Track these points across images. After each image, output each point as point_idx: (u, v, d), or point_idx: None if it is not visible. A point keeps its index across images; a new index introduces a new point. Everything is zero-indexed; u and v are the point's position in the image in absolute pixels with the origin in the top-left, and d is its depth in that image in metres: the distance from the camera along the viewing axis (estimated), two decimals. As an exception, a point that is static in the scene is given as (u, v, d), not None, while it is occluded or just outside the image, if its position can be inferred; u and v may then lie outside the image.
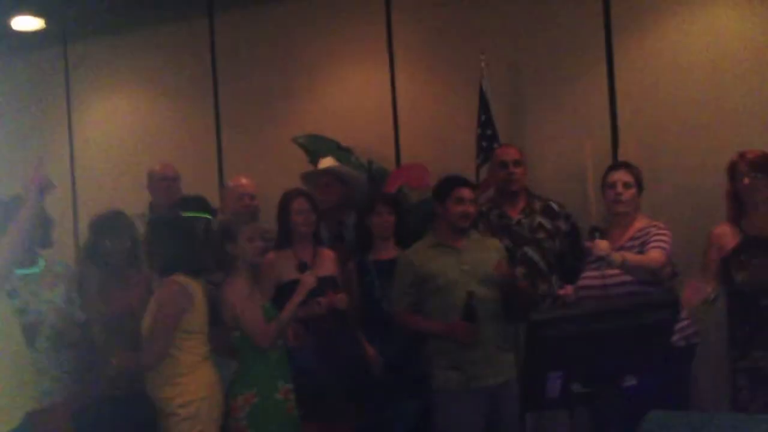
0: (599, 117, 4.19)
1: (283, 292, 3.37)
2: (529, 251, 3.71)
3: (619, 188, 3.36)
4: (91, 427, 3.21)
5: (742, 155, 3.20)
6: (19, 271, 3.20)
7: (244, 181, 4.25)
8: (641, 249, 3.24)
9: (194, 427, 3.04)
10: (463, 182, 3.37)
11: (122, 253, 3.41)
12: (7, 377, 2.70)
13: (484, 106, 4.21)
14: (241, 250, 3.28)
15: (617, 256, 3.05)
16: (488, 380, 3.22)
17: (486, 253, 3.33)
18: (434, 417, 3.33)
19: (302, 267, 3.34)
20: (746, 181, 3.12)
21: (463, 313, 3.17)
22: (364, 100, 4.83)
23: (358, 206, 4.35)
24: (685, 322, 3.20)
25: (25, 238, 2.67)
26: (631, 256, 3.11)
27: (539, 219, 3.79)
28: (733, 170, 3.20)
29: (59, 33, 5.47)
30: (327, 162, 4.31)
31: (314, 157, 4.56)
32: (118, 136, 5.32)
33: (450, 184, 3.36)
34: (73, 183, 5.46)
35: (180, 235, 3.24)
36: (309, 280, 3.25)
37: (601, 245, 3.03)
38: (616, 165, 3.55)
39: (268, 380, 3.22)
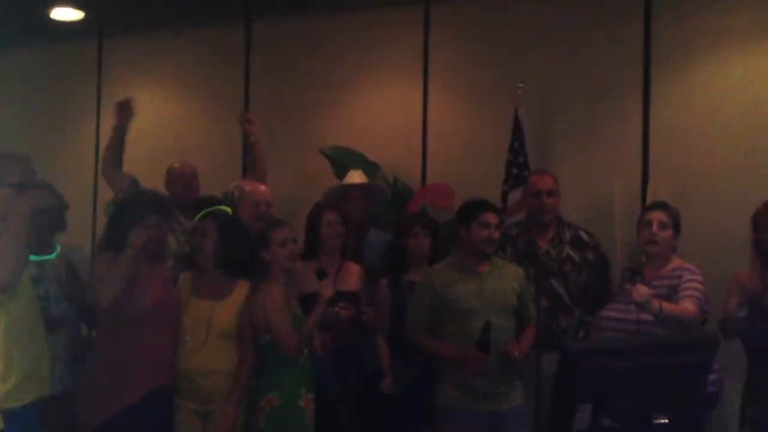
0: (631, 154, 4.19)
1: (305, 303, 3.35)
2: (555, 283, 3.68)
3: (655, 228, 3.32)
4: None
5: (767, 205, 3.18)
6: (35, 258, 3.20)
7: (261, 188, 4.23)
8: (670, 291, 3.21)
9: None
10: (490, 207, 3.36)
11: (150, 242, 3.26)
12: (24, 363, 2.73)
13: (518, 132, 4.20)
14: (274, 254, 3.27)
15: (655, 304, 3.01)
16: (492, 405, 3.20)
17: (508, 281, 3.31)
18: None
19: (320, 275, 3.33)
20: None
21: (477, 343, 3.14)
22: (394, 117, 4.84)
23: (379, 223, 4.35)
24: None
25: (21, 244, 2.66)
26: (667, 306, 3.06)
27: (567, 250, 3.77)
28: (758, 220, 3.19)
29: (96, 26, 5.50)
30: (357, 176, 4.29)
31: (340, 169, 4.56)
32: (146, 133, 5.30)
33: (476, 207, 3.34)
34: (96, 175, 5.46)
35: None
36: (327, 291, 3.24)
37: (642, 291, 2.99)
38: (654, 205, 3.51)
39: (293, 386, 3.21)
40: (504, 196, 4.20)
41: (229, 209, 3.90)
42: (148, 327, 3.14)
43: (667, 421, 2.12)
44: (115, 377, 3.05)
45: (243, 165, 5.13)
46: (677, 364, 2.08)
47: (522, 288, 3.36)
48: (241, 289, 3.31)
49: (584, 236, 3.83)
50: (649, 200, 3.93)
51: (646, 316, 3.04)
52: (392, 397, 3.50)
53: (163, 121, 5.37)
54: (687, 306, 3.12)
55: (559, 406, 2.15)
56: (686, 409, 2.18)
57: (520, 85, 4.21)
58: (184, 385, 3.19)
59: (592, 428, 2.15)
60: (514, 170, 4.17)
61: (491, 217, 3.29)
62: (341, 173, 4.49)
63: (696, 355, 2.12)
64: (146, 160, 5.11)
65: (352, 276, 3.62)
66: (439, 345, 3.30)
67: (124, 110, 4.03)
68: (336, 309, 3.41)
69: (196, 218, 3.49)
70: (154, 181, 4.22)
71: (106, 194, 4.52)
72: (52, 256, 3.31)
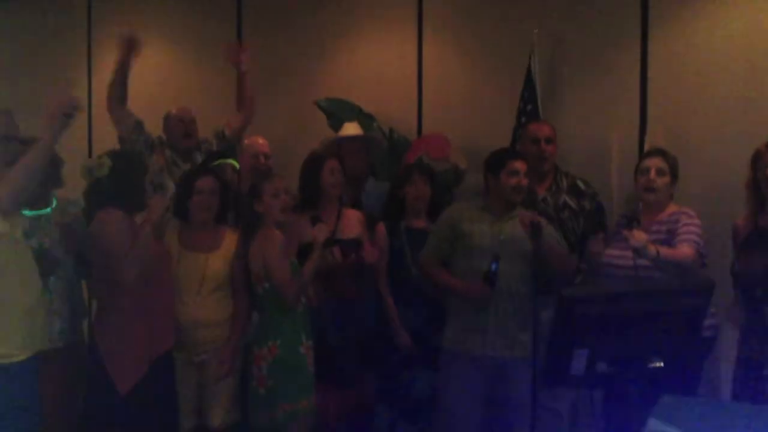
0: (629, 102, 4.14)
1: (305, 252, 3.35)
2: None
3: (652, 175, 3.32)
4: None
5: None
6: (30, 213, 3.18)
7: (260, 140, 4.28)
8: (668, 236, 3.21)
9: None
10: (518, 155, 3.35)
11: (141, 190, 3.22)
12: (19, 317, 2.69)
13: (529, 81, 4.14)
14: (267, 206, 3.28)
15: (652, 249, 3.01)
16: (496, 351, 3.23)
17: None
18: (438, 377, 3.35)
19: (315, 221, 3.35)
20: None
21: (483, 275, 3.15)
22: (389, 67, 4.77)
23: (376, 175, 4.35)
24: None
25: (41, 166, 2.58)
26: (664, 251, 3.07)
27: (565, 197, 3.78)
28: (756, 160, 3.18)
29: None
30: (353, 128, 4.25)
31: (336, 120, 4.52)
32: (138, 86, 5.24)
33: (504, 156, 3.34)
34: (90, 131, 5.42)
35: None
36: (321, 235, 3.27)
37: (639, 237, 3.00)
38: (652, 151, 3.48)
39: (292, 333, 3.26)
40: (514, 145, 4.16)
41: (235, 162, 3.94)
42: (158, 280, 3.16)
43: (662, 365, 2.15)
44: (144, 334, 3.06)
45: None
46: (672, 310, 2.10)
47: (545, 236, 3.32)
48: (230, 239, 3.38)
49: (581, 185, 3.84)
50: (646, 148, 3.91)
51: (643, 262, 3.05)
52: (395, 344, 3.52)
53: (155, 73, 5.29)
54: (684, 249, 3.12)
55: (556, 353, 2.17)
56: (681, 353, 2.21)
57: (534, 32, 4.13)
58: (180, 337, 3.24)
59: (589, 374, 2.18)
60: (523, 119, 4.12)
61: (519, 165, 3.29)
62: (336, 125, 4.46)
63: (690, 301, 2.14)
64: (139, 113, 5.08)
65: (353, 222, 3.61)
66: (446, 275, 3.34)
67: (130, 45, 3.91)
68: (334, 249, 3.41)
69: (194, 172, 3.51)
70: (149, 127, 4.19)
71: (100, 149, 4.50)
72: (48, 210, 3.29)
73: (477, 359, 3.23)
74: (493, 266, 3.13)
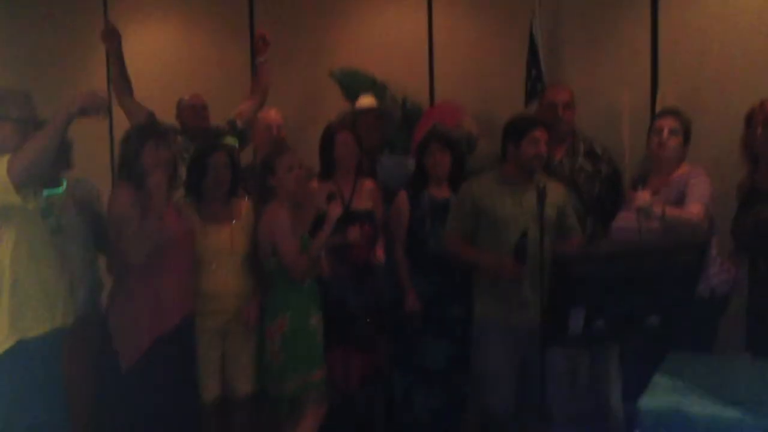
0: (640, 61, 4.08)
1: (320, 223, 3.40)
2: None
3: (665, 135, 3.27)
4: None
5: (762, 104, 3.11)
6: (45, 192, 3.25)
7: (272, 112, 4.32)
8: (679, 197, 3.18)
9: None
10: (539, 123, 3.30)
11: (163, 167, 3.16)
12: (38, 292, 2.75)
13: (532, 45, 4.10)
14: (280, 180, 3.32)
15: (657, 209, 2.97)
16: (527, 315, 3.18)
17: (549, 198, 3.16)
18: (472, 348, 3.39)
19: (330, 197, 3.38)
20: (759, 131, 3.05)
21: (514, 251, 3.15)
22: (399, 35, 4.75)
23: (391, 147, 4.37)
24: (711, 271, 3.14)
25: (51, 146, 2.60)
26: (670, 210, 3.02)
27: (581, 161, 3.75)
28: (750, 118, 3.13)
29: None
30: (368, 100, 4.27)
31: (349, 92, 4.54)
32: (154, 62, 5.32)
33: (526, 124, 3.29)
34: (111, 109, 5.48)
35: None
36: (334, 210, 3.30)
37: (643, 196, 2.96)
38: (665, 111, 3.43)
39: (302, 306, 3.32)
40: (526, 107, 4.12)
41: (234, 140, 4.00)
42: (171, 257, 3.18)
43: (659, 322, 2.17)
44: (149, 310, 3.09)
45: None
46: (667, 267, 2.11)
47: (564, 203, 3.35)
48: (247, 210, 3.45)
49: (598, 149, 3.81)
50: (658, 107, 3.86)
51: (649, 224, 3.01)
52: (412, 312, 3.56)
53: (169, 52, 5.36)
54: (691, 208, 3.07)
55: (553, 312, 2.20)
56: (678, 310, 2.22)
57: None
58: (208, 306, 3.30)
59: (587, 332, 2.21)
60: (528, 84, 4.10)
61: (540, 134, 3.25)
62: (351, 96, 4.48)
63: (685, 257, 2.14)
64: (155, 88, 5.15)
65: (367, 195, 3.65)
66: (477, 252, 3.31)
67: (111, 36, 4.11)
68: (347, 227, 3.45)
69: (204, 151, 3.56)
70: (163, 108, 4.26)
71: (122, 128, 4.58)
72: (59, 190, 3.34)
73: (511, 328, 3.23)
74: (522, 241, 3.13)
